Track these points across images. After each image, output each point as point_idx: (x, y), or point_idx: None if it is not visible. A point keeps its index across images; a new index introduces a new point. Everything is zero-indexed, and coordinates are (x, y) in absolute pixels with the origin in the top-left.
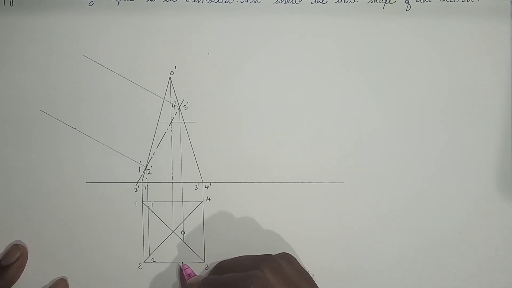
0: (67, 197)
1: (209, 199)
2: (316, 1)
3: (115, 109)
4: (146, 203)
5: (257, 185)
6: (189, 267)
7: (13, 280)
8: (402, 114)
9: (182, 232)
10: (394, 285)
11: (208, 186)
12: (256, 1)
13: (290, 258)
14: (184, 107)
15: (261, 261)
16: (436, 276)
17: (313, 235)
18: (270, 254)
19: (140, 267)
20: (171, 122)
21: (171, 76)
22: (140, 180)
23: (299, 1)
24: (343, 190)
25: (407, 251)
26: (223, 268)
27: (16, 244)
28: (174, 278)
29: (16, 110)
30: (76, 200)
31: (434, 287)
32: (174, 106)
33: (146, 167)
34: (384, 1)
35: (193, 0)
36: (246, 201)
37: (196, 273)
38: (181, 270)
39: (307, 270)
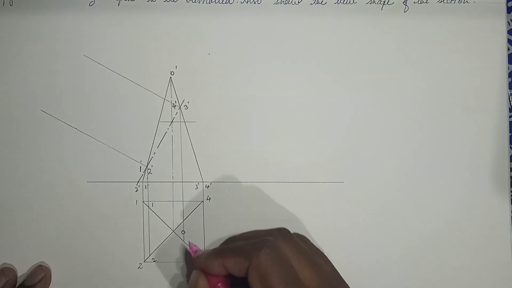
0: (68, 197)
1: (210, 198)
2: (316, 2)
3: (115, 109)
4: (146, 203)
5: (257, 185)
6: (196, 245)
7: None
8: (400, 114)
9: (183, 232)
10: (394, 283)
11: (208, 186)
12: (256, 2)
13: (304, 237)
14: (185, 107)
15: (275, 231)
16: (436, 274)
17: (313, 234)
18: (284, 227)
19: (140, 267)
20: (172, 122)
21: (171, 76)
22: (141, 180)
23: (298, 2)
24: (343, 190)
25: (408, 250)
26: (234, 240)
27: (40, 265)
28: (175, 277)
29: (17, 110)
30: (77, 200)
31: (434, 286)
32: (175, 106)
33: (146, 166)
34: (382, 2)
35: (193, 1)
36: (246, 201)
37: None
38: (186, 252)
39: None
